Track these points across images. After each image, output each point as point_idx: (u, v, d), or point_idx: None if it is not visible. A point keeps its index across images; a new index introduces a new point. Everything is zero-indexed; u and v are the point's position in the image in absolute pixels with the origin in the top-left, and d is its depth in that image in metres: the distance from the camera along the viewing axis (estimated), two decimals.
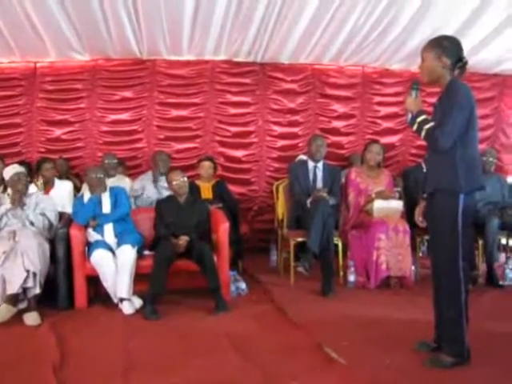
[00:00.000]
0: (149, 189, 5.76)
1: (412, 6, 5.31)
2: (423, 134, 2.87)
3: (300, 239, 4.95)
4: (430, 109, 3.08)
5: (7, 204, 4.39)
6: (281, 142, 6.99)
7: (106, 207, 4.64)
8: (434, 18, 5.40)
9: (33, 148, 6.55)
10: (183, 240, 4.33)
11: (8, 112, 6.47)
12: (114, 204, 4.65)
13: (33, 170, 5.61)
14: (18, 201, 4.39)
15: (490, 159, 5.50)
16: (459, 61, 2.88)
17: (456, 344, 2.88)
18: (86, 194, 4.71)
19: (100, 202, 4.64)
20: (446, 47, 2.88)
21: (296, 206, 5.20)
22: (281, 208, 5.56)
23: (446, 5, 5.21)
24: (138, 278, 4.26)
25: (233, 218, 5.14)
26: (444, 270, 2.92)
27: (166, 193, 5.36)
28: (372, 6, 5.32)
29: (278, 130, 6.99)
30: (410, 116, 2.99)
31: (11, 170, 4.52)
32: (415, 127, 2.93)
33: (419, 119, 2.90)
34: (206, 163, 5.74)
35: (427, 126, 2.85)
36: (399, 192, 5.32)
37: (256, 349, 3.29)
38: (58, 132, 6.58)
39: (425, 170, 3.08)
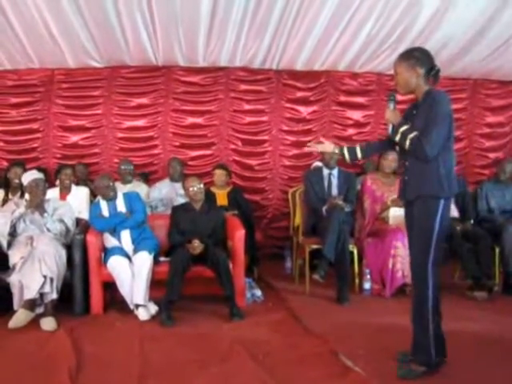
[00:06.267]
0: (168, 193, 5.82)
1: (428, 13, 5.29)
2: (407, 143, 2.90)
3: (315, 246, 4.93)
4: None
5: (22, 208, 4.41)
6: (294, 151, 6.98)
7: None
8: (449, 26, 5.39)
9: (49, 154, 6.62)
10: (196, 243, 4.33)
11: (26, 118, 6.55)
12: (129, 211, 4.65)
13: (50, 176, 5.66)
14: (39, 207, 4.42)
15: (510, 168, 5.53)
16: (432, 69, 2.95)
17: (423, 353, 2.89)
18: (102, 201, 4.73)
19: (115, 209, 4.63)
20: (418, 57, 2.95)
21: (311, 213, 5.18)
22: (298, 215, 5.54)
23: (460, 14, 5.20)
24: (154, 284, 4.28)
25: (248, 225, 5.14)
26: (413, 274, 2.97)
27: (181, 199, 5.38)
28: (387, 13, 5.32)
29: (292, 138, 6.99)
30: (390, 127, 3.04)
31: (29, 176, 4.54)
32: (398, 137, 2.96)
33: (402, 129, 2.94)
34: (219, 171, 5.78)
35: (411, 135, 2.88)
36: None
37: (271, 356, 3.28)
38: (74, 138, 6.66)
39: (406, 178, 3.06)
